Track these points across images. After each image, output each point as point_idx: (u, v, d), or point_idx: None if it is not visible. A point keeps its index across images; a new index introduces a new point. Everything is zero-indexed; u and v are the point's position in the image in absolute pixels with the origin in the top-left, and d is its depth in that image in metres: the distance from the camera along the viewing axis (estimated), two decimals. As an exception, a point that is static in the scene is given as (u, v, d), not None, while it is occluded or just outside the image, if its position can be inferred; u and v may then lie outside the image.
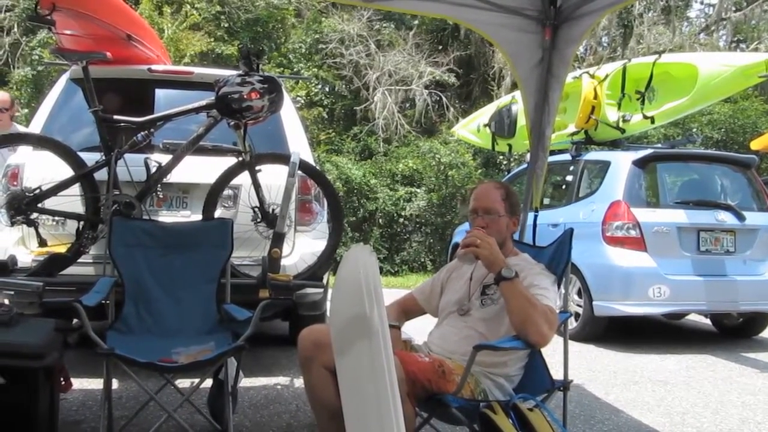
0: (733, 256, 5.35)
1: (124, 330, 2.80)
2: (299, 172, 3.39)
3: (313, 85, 12.80)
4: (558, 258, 2.49)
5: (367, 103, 13.07)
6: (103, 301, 2.70)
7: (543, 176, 3.64)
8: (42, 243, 3.28)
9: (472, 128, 8.07)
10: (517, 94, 6.02)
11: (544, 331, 2.10)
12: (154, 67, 3.93)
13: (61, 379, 2.69)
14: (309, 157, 3.82)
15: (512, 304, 2.14)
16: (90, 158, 3.27)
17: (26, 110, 9.72)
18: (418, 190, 11.28)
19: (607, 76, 5.98)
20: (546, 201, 6.28)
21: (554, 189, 6.62)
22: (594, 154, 6.13)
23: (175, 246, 3.04)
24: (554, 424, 2.03)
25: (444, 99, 13.46)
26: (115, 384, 3.27)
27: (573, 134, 6.13)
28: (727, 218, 5.33)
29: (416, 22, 13.93)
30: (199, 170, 3.50)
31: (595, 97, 5.88)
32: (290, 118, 3.97)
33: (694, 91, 5.20)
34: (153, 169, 3.31)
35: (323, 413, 2.11)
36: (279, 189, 3.31)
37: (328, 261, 3.55)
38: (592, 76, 6.03)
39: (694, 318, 6.48)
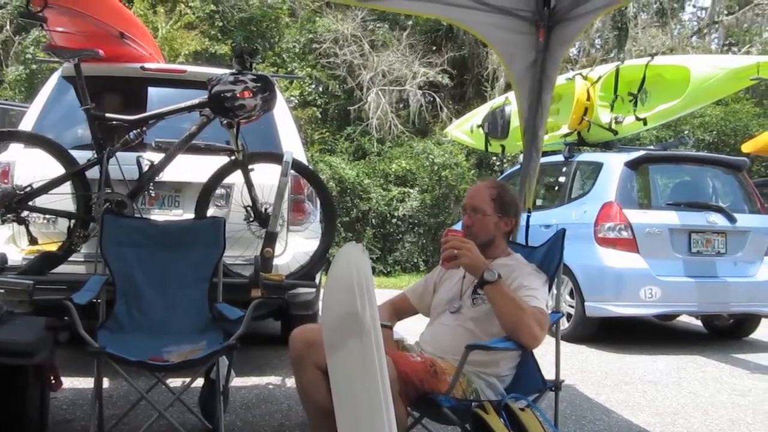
0: (724, 257, 5.38)
1: (115, 328, 2.78)
2: (292, 171, 3.38)
3: (307, 84, 12.80)
4: (550, 258, 2.49)
5: (361, 103, 13.07)
6: (95, 300, 2.69)
7: (535, 177, 3.64)
8: (33, 241, 3.26)
9: (465, 129, 8.07)
10: (511, 95, 6.04)
11: (536, 333, 2.10)
12: (146, 65, 3.92)
13: (52, 377, 2.68)
14: (302, 157, 3.81)
15: (498, 306, 2.14)
16: (82, 156, 3.25)
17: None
18: (412, 191, 11.27)
19: (600, 77, 5.99)
20: (539, 202, 6.30)
21: (547, 190, 6.63)
22: (586, 156, 6.15)
23: (167, 245, 3.02)
24: (546, 424, 2.03)
25: (438, 100, 13.47)
26: (105, 383, 3.25)
27: (566, 135, 6.15)
28: (718, 220, 5.36)
29: (410, 22, 13.93)
30: (191, 169, 3.49)
31: (588, 98, 5.89)
32: (283, 117, 3.96)
33: (686, 93, 5.21)
34: (145, 168, 3.30)
35: (315, 413, 2.11)
36: (272, 188, 3.29)
37: (321, 260, 3.53)
38: (585, 78, 6.05)
39: (685, 319, 6.51)
